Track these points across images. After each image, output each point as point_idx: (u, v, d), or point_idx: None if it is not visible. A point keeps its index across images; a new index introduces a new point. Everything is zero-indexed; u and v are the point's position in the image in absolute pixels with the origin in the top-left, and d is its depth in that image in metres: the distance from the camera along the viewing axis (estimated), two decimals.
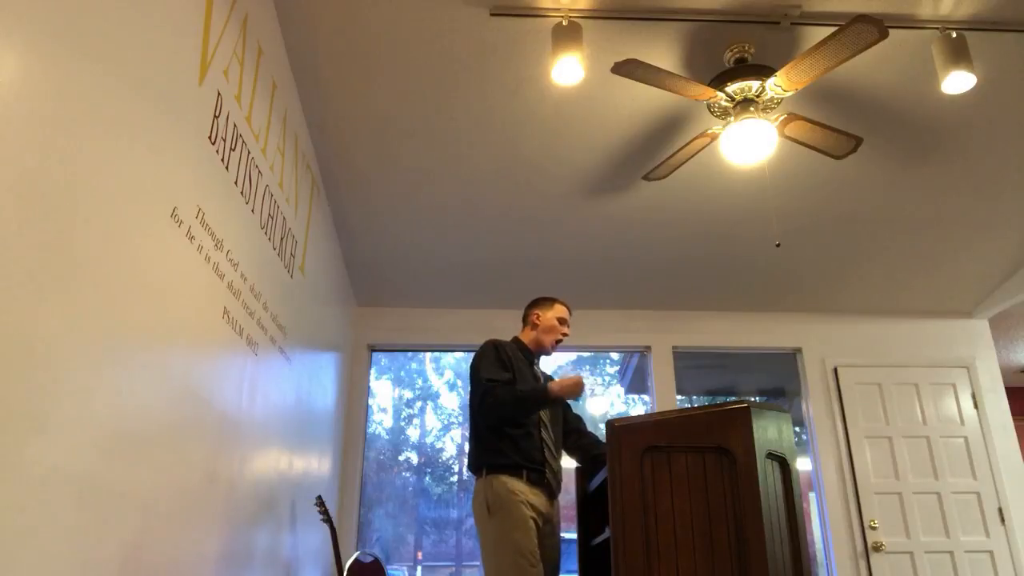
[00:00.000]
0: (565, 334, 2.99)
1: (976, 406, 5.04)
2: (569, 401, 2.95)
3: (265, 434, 3.01)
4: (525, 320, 3.04)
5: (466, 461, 2.87)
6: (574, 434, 2.98)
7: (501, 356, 2.80)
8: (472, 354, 2.88)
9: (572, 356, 8.73)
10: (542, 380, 2.94)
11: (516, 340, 2.98)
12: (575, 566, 2.82)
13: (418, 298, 5.06)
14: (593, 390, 9.24)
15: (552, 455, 2.77)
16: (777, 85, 2.99)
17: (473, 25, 3.04)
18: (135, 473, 1.88)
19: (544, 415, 2.81)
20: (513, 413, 2.69)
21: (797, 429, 5.44)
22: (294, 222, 3.39)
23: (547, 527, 2.68)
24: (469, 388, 2.85)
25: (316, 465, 4.00)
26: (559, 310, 2.99)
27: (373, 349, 5.21)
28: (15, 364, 1.41)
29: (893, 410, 5.01)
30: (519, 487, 2.62)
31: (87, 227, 1.64)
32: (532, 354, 2.97)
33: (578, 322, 3.34)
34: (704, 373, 6.54)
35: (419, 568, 9.83)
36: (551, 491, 2.73)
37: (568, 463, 2.97)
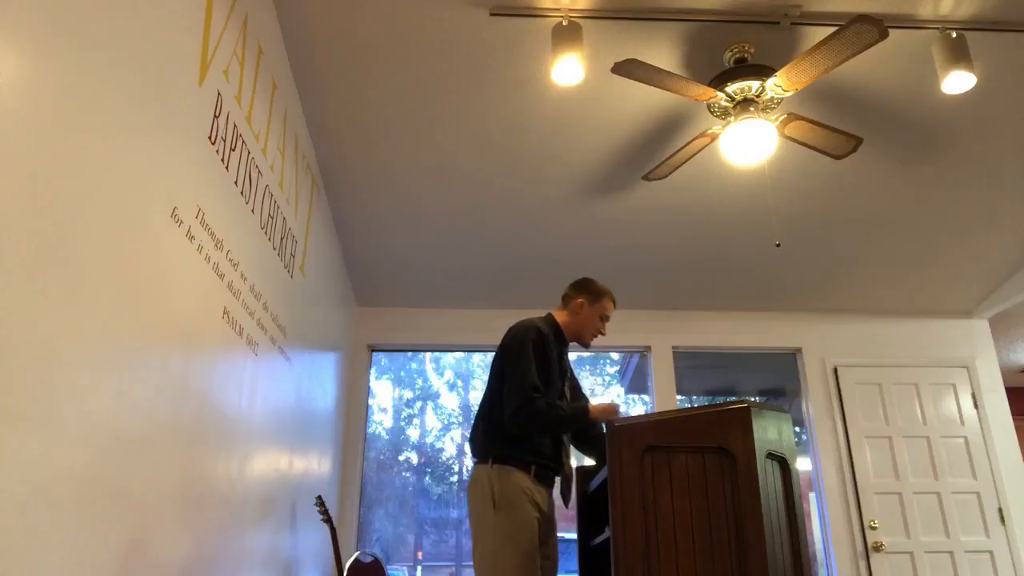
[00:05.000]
0: (603, 333, 2.84)
1: (976, 406, 5.04)
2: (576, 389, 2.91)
3: (265, 434, 3.01)
4: (566, 301, 2.83)
5: (468, 445, 2.74)
6: None
7: (548, 354, 2.64)
8: (472, 354, 2.85)
9: (572, 356, 8.72)
10: (568, 373, 2.84)
11: (550, 319, 2.79)
12: (575, 566, 2.81)
13: (418, 298, 5.06)
14: (593, 390, 9.24)
15: (566, 453, 2.71)
16: (777, 85, 2.99)
17: (473, 25, 3.04)
18: (135, 473, 1.88)
19: None
20: (548, 430, 2.60)
21: (797, 429, 5.44)
22: (294, 222, 3.39)
23: (547, 526, 2.65)
24: (497, 367, 2.68)
25: (316, 465, 4.00)
26: (606, 306, 2.81)
27: (373, 349, 5.21)
28: (15, 364, 1.41)
29: (893, 410, 5.01)
30: (526, 483, 2.55)
31: (87, 227, 1.65)
32: (565, 341, 2.82)
33: None
34: (704, 373, 6.54)
35: (419, 568, 9.83)
36: (551, 488, 2.68)
37: (573, 463, 2.92)
